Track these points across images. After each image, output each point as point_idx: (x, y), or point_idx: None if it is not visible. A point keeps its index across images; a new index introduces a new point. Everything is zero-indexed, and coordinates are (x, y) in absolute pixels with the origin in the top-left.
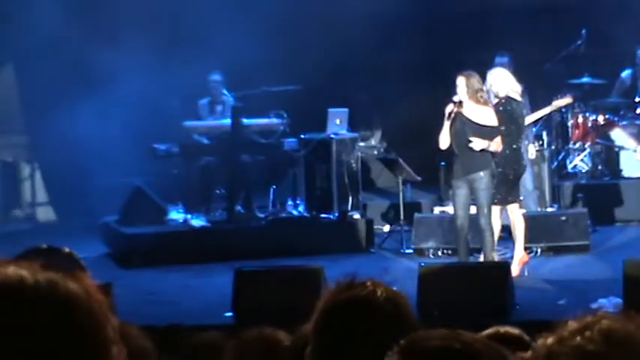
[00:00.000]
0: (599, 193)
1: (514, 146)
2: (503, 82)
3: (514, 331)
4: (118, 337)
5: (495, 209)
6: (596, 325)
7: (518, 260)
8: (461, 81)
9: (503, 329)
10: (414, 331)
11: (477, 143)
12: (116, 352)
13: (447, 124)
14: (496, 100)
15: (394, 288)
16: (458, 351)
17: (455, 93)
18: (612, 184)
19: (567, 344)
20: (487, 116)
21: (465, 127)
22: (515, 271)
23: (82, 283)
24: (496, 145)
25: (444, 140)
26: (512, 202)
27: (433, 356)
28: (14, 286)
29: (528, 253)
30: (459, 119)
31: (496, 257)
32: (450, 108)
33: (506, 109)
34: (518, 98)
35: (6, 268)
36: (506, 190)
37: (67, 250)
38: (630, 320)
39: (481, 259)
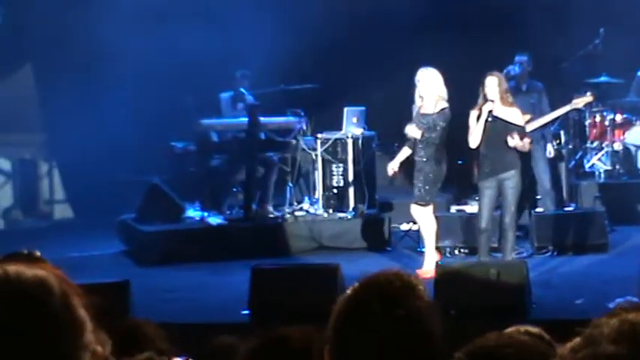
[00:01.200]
0: (617, 193)
1: (435, 148)
2: (435, 84)
3: (534, 329)
4: (93, 321)
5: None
6: None
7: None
8: (492, 81)
9: (523, 328)
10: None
11: (514, 140)
12: (90, 335)
13: (481, 123)
14: (438, 101)
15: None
16: None
17: (474, 91)
18: (630, 183)
19: (613, 318)
20: (516, 116)
21: (496, 127)
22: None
23: (48, 269)
24: (527, 144)
25: (476, 140)
26: (430, 204)
27: None
28: None
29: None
30: (489, 119)
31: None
32: (489, 107)
33: (441, 114)
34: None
35: None
36: (416, 188)
37: (25, 251)
38: None
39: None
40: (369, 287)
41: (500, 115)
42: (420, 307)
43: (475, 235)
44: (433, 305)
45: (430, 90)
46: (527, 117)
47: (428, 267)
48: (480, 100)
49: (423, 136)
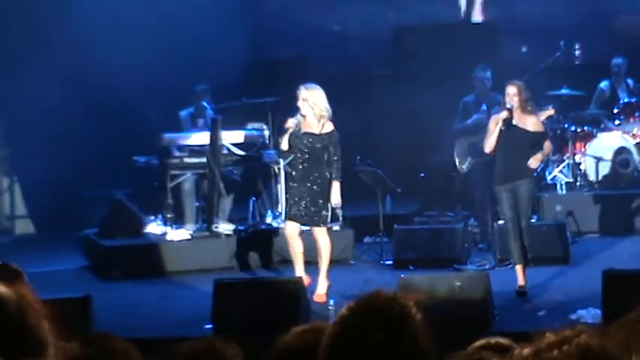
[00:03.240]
0: (579, 205)
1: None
2: (319, 103)
3: (504, 341)
4: (55, 341)
5: (294, 226)
6: (575, 340)
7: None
8: (513, 89)
9: (493, 340)
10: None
11: (534, 162)
12: (53, 353)
13: (496, 130)
14: (324, 120)
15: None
16: None
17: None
18: (591, 195)
19: (544, 357)
20: (535, 124)
21: (513, 134)
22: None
23: (15, 287)
24: (547, 149)
25: (490, 145)
26: (323, 224)
27: None
28: None
29: None
30: (507, 126)
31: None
32: (503, 115)
33: (333, 137)
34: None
35: None
36: (315, 211)
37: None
38: (607, 336)
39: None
40: (369, 313)
41: (518, 124)
42: (419, 332)
43: (439, 248)
44: (427, 330)
45: (314, 109)
46: (549, 113)
47: (323, 290)
48: (502, 107)
49: (303, 154)
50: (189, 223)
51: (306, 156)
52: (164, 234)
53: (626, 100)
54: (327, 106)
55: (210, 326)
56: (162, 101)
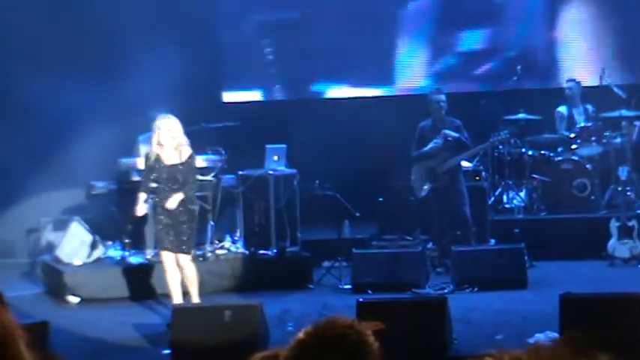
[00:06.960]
0: (536, 229)
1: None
2: (177, 132)
3: None
4: None
5: (170, 256)
6: None
7: None
8: None
9: None
10: None
11: None
12: None
13: None
14: (182, 148)
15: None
16: None
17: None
18: (548, 219)
19: None
20: None
21: None
22: None
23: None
24: None
25: None
26: (186, 252)
27: None
28: None
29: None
30: None
31: None
32: None
33: (192, 162)
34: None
35: None
36: (181, 239)
37: None
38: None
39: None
40: (326, 339)
41: None
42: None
43: (398, 272)
44: (384, 358)
45: (172, 138)
46: None
47: None
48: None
49: (166, 185)
50: (148, 248)
51: (170, 186)
52: (122, 259)
53: (582, 124)
54: (183, 135)
55: (168, 351)
56: (120, 126)
